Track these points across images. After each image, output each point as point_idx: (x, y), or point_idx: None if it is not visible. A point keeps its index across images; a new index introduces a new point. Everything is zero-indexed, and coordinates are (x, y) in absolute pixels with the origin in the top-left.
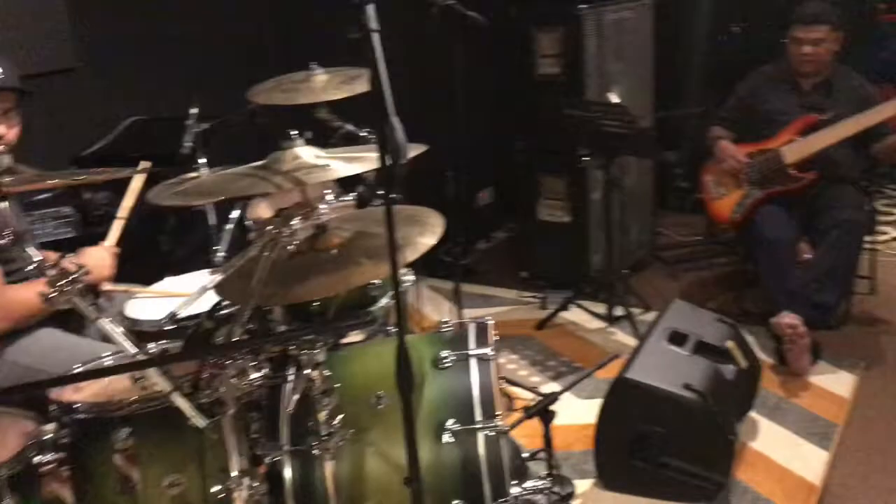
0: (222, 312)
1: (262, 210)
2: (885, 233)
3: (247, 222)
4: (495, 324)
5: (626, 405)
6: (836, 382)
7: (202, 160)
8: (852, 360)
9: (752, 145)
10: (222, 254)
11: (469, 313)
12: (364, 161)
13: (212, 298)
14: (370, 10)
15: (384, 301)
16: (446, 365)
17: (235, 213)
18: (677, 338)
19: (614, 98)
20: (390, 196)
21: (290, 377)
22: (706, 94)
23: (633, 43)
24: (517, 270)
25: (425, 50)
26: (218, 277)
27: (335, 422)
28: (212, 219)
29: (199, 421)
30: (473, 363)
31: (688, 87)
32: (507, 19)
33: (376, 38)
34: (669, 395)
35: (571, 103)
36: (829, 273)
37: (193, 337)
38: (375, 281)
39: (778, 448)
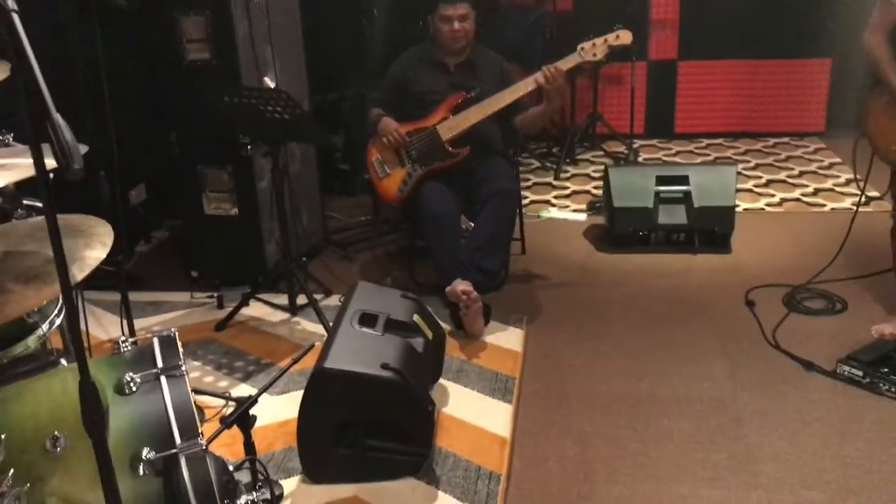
0: None
1: None
2: (524, 197)
3: None
4: None
5: (327, 395)
6: (507, 339)
7: None
8: (517, 316)
9: (411, 124)
10: None
11: (140, 324)
12: (10, 169)
13: None
14: None
15: (45, 327)
16: (133, 389)
17: None
18: (367, 319)
19: (270, 83)
20: (49, 206)
21: None
22: (357, 77)
23: (283, 25)
24: (186, 270)
25: (59, 37)
26: None
27: (6, 479)
28: None
29: None
30: (164, 382)
31: (340, 70)
32: (150, 2)
33: (17, 20)
34: (369, 377)
35: (229, 90)
36: (491, 240)
37: None
38: None
39: (468, 409)
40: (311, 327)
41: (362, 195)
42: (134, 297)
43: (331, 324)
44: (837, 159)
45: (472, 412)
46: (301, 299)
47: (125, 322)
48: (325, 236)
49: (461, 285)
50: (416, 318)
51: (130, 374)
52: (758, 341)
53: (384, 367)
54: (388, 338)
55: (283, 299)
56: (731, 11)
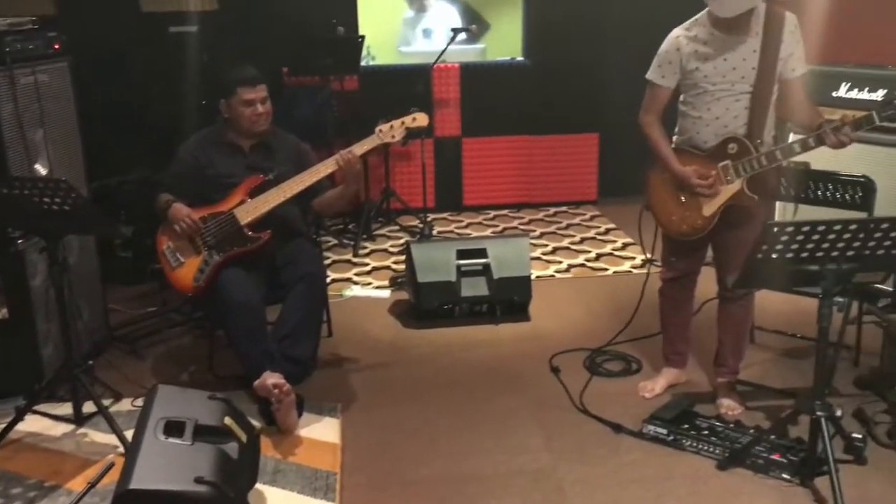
0: None
1: None
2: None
3: None
4: None
5: None
6: (322, 431)
7: None
8: (331, 405)
9: (205, 209)
10: None
11: None
12: None
13: None
14: None
15: None
16: None
17: None
18: (174, 427)
19: (42, 170)
20: None
21: None
22: (141, 160)
23: (55, 108)
24: None
25: None
26: None
27: None
28: None
29: None
30: None
31: (120, 153)
32: None
33: None
34: (183, 495)
35: None
36: (300, 326)
37: None
38: None
39: None
40: (102, 438)
41: (147, 283)
42: None
43: (125, 433)
44: (612, 225)
45: None
46: (88, 407)
47: None
48: (108, 332)
49: (272, 378)
50: (227, 420)
51: None
52: (567, 407)
53: (198, 480)
54: (199, 446)
55: (66, 409)
56: (507, 91)
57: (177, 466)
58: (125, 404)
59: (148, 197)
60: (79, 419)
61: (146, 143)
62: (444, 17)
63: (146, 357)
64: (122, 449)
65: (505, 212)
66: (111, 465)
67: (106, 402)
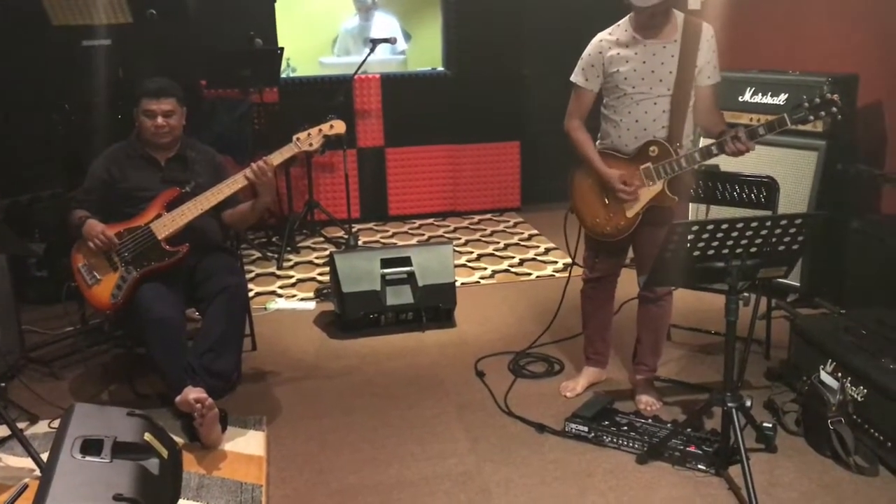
0: None
1: None
2: (249, 290)
3: None
4: None
5: None
6: (247, 444)
7: None
8: (255, 418)
9: (120, 225)
10: None
11: None
12: None
13: None
14: None
15: None
16: None
17: None
18: (91, 446)
19: None
20: None
21: None
22: (53, 176)
23: None
24: None
25: None
26: None
27: None
28: None
29: None
30: None
31: (31, 169)
32: None
33: None
34: None
35: None
36: (221, 340)
37: None
38: None
39: None
40: (17, 462)
41: (64, 302)
42: None
43: (42, 456)
44: (535, 231)
45: None
46: (1, 430)
47: None
48: (23, 354)
49: (193, 393)
50: (147, 436)
51: None
52: (492, 410)
53: (117, 498)
54: (118, 464)
55: None
56: (428, 101)
57: (94, 485)
58: (41, 426)
59: (61, 214)
60: None
61: (59, 159)
62: (385, 28)
63: (64, 377)
64: (38, 472)
65: (430, 220)
66: (24, 488)
67: (21, 425)
